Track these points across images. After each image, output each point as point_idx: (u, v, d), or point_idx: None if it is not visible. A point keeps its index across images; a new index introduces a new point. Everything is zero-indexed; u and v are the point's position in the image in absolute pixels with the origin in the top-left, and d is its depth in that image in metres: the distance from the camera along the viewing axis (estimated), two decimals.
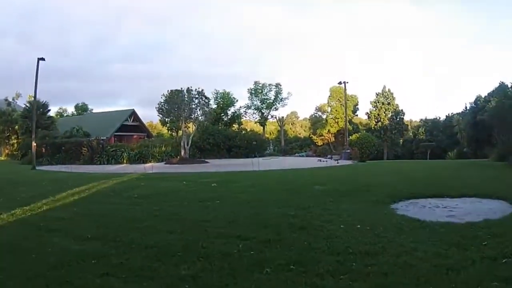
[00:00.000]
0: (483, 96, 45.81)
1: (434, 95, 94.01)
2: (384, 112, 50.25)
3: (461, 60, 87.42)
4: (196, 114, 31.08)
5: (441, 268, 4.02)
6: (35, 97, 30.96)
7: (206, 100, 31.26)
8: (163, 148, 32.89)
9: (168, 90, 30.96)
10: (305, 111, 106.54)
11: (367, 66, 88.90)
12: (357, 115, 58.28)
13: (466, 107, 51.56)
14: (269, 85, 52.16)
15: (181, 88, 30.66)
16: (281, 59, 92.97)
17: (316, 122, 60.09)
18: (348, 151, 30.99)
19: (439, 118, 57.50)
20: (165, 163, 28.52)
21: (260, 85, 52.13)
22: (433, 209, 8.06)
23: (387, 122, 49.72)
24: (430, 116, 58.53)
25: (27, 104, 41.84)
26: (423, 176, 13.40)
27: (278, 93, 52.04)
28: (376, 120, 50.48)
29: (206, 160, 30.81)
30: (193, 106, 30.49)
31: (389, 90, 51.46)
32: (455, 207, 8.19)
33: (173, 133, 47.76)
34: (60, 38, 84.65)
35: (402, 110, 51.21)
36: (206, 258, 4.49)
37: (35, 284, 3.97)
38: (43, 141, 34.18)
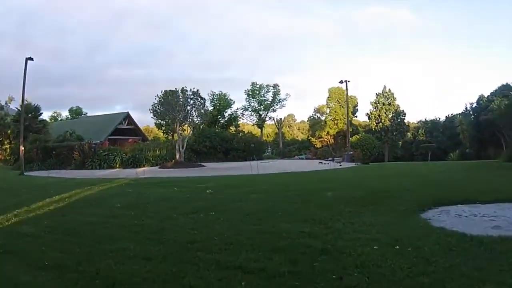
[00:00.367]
0: (485, 96, 44.92)
1: (433, 96, 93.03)
2: (385, 113, 49.01)
3: (461, 59, 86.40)
4: (191, 115, 29.70)
5: None
6: (23, 99, 29.39)
7: (202, 101, 29.85)
8: (157, 151, 31.48)
9: (162, 91, 29.58)
10: (302, 114, 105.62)
11: (365, 68, 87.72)
12: (356, 117, 57.09)
13: (466, 107, 50.69)
14: (267, 86, 50.98)
15: (176, 89, 29.31)
16: (278, 62, 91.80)
17: (314, 124, 58.87)
18: (351, 153, 29.71)
19: (439, 118, 56.45)
20: (159, 167, 27.15)
21: (258, 86, 50.89)
22: (471, 218, 6.79)
23: (388, 123, 48.47)
24: (429, 117, 57.35)
25: (19, 108, 40.62)
26: (441, 179, 12.11)
27: (276, 94, 50.83)
28: (376, 121, 49.22)
29: (202, 163, 29.45)
30: (188, 107, 29.13)
31: (389, 90, 50.25)
32: (495, 215, 6.98)
33: (169, 136, 46.31)
34: (57, 42, 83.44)
35: (403, 110, 50.07)
36: None
37: None
38: (33, 146, 32.75)
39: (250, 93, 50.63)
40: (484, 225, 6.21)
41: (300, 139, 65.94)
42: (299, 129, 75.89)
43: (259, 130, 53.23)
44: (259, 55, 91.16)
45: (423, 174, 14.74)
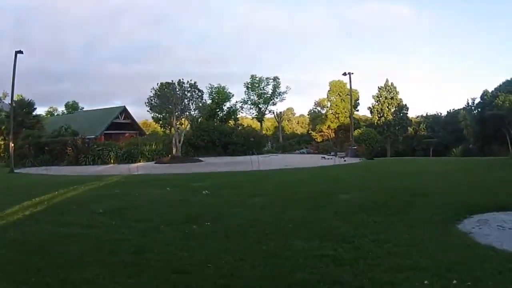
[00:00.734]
0: (490, 91, 43.77)
1: (433, 91, 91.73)
2: (388, 107, 47.80)
3: (462, 56, 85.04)
4: (189, 108, 28.45)
5: None
6: (12, 94, 28.02)
7: (200, 93, 28.58)
8: (153, 146, 30.29)
9: (157, 83, 28.31)
10: (301, 108, 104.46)
11: (364, 63, 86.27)
12: (358, 111, 55.93)
13: (468, 103, 49.56)
14: (267, 78, 49.65)
15: (172, 81, 28.03)
16: (277, 57, 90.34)
17: (315, 118, 57.73)
18: (355, 147, 28.55)
19: (440, 113, 55.28)
20: (155, 163, 26.00)
21: (257, 78, 49.57)
22: None
23: (390, 117, 47.29)
24: (430, 112, 56.07)
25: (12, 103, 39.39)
26: (464, 180, 10.86)
27: (276, 87, 49.54)
28: (379, 115, 48.02)
29: (200, 158, 28.28)
30: (186, 100, 27.87)
31: (392, 84, 49.01)
32: None
33: (167, 131, 45.03)
34: (54, 39, 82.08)
35: (405, 105, 48.88)
36: None
37: None
38: (26, 141, 31.54)
39: (250, 86, 49.35)
40: None
41: (299, 133, 64.86)
42: (298, 123, 74.73)
43: (259, 123, 52.02)
44: (258, 50, 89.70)
45: (440, 173, 13.56)
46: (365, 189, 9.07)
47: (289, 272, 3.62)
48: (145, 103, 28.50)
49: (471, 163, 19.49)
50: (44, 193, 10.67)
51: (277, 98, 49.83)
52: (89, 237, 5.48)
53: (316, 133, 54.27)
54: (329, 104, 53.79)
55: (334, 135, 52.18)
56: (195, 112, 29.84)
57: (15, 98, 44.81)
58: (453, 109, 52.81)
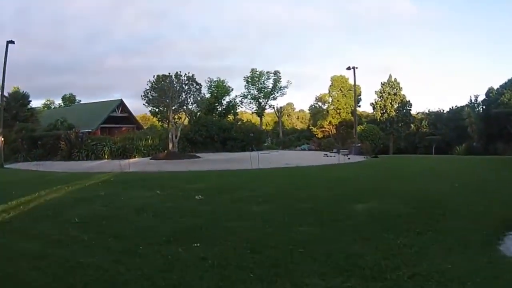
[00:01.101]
0: (495, 89, 42.67)
1: (436, 87, 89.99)
2: (391, 103, 46.68)
3: (465, 51, 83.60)
4: (187, 102, 27.31)
5: None
6: (3, 84, 26.73)
7: (198, 87, 27.41)
8: (149, 141, 29.19)
9: (154, 76, 27.13)
10: (301, 103, 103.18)
11: (366, 58, 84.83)
12: (359, 106, 54.78)
13: (471, 100, 48.39)
14: (267, 72, 48.45)
15: (169, 73, 26.85)
16: (278, 51, 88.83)
17: (316, 113, 56.63)
18: (359, 145, 27.47)
19: (443, 110, 54.05)
20: (150, 159, 24.91)
21: (257, 72, 48.36)
22: None
23: (393, 113, 46.19)
24: (432, 108, 54.77)
25: (7, 96, 38.30)
26: (488, 185, 9.82)
27: (276, 81, 48.35)
28: (382, 112, 46.91)
29: (197, 154, 27.19)
30: (183, 93, 26.72)
31: (395, 80, 47.86)
32: None
33: (164, 125, 43.87)
34: (55, 32, 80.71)
35: (409, 101, 47.78)
36: None
37: None
38: (19, 135, 30.45)
39: (250, 80, 48.16)
40: None
41: (299, 128, 63.77)
42: (298, 118, 73.61)
43: (259, 118, 50.91)
44: (259, 44, 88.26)
45: (453, 174, 12.55)
46: (382, 196, 7.99)
47: None
48: (141, 96, 27.38)
49: (478, 162, 18.49)
50: (24, 194, 9.72)
51: (277, 92, 48.73)
52: (51, 261, 4.39)
53: (317, 129, 53.20)
54: (330, 99, 52.64)
55: (335, 131, 51.09)
56: (193, 106, 28.71)
57: (10, 90, 44.07)
58: (455, 106, 51.68)
